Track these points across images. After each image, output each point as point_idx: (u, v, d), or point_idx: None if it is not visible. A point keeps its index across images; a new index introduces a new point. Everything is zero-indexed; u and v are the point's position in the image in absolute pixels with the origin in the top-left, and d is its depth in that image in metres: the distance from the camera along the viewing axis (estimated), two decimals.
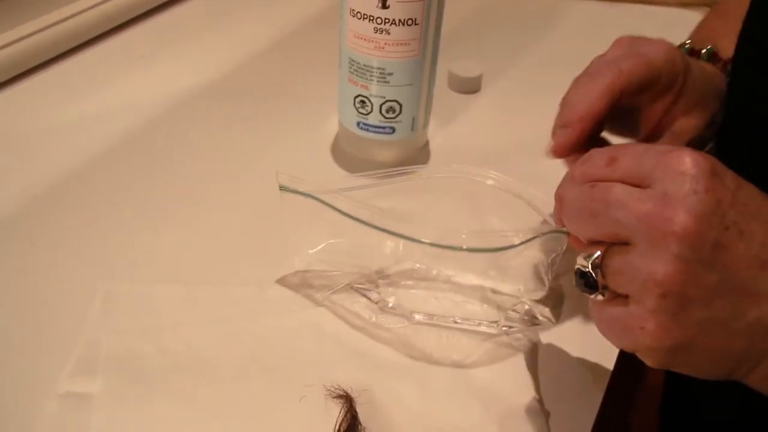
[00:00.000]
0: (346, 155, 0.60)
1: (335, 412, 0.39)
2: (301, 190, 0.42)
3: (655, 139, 0.45)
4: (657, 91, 0.43)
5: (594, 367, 0.43)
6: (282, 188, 0.43)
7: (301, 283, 0.47)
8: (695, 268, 0.29)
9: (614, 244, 0.31)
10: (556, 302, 0.46)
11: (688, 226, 0.28)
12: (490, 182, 0.46)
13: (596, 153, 0.33)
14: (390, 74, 0.52)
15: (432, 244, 0.40)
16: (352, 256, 0.47)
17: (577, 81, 0.42)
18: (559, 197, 0.35)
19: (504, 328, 0.44)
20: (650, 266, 0.29)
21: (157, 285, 0.46)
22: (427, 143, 0.61)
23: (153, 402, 0.39)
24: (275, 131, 0.63)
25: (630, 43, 0.44)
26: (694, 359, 0.31)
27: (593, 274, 0.32)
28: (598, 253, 0.32)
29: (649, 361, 0.32)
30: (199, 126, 0.63)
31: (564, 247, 0.41)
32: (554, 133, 0.42)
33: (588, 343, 0.44)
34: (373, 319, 0.45)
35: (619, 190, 0.31)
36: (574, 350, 0.44)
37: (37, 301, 0.45)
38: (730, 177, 0.30)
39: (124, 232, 0.51)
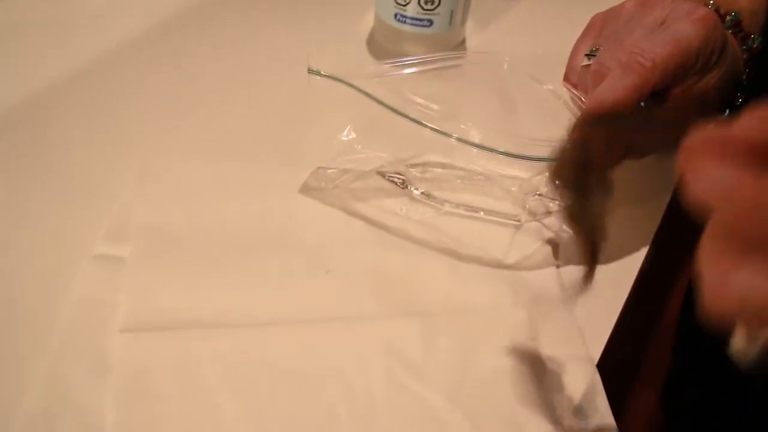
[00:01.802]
0: (382, 50, 0.58)
1: (361, 284, 0.39)
2: (328, 73, 0.42)
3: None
4: (684, 76, 0.40)
5: (621, 262, 0.43)
6: (311, 71, 0.42)
7: (329, 169, 0.47)
8: None
9: None
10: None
11: None
12: (524, 76, 0.45)
13: None
14: None
15: (460, 140, 0.39)
16: (380, 143, 0.46)
17: (612, 72, 0.39)
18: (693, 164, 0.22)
19: (531, 216, 0.44)
20: None
21: (190, 161, 0.46)
22: (463, 41, 0.60)
23: (182, 268, 0.40)
24: (309, 24, 0.62)
25: (671, 11, 0.40)
26: None
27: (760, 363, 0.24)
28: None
29: None
30: (235, 17, 0.62)
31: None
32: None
33: (616, 235, 0.44)
34: (403, 210, 0.45)
35: None
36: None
37: (74, 173, 0.46)
38: None
39: (156, 113, 0.51)
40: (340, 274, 0.40)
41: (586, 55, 0.45)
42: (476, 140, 0.40)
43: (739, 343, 0.24)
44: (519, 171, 0.44)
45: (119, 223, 0.42)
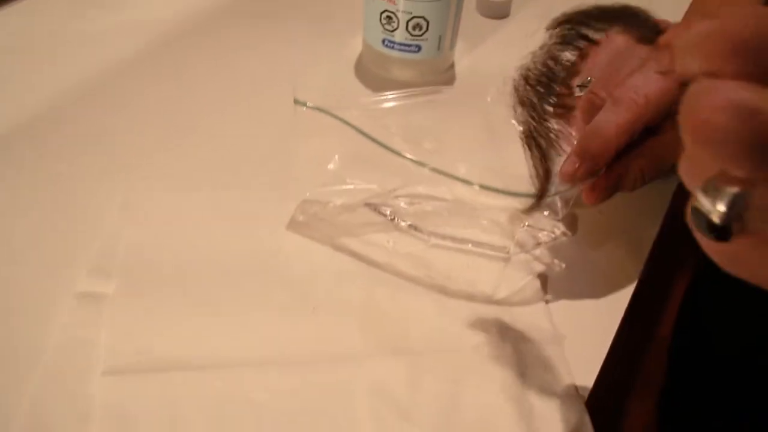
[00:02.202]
0: (370, 75, 0.58)
1: (347, 321, 0.39)
2: (314, 105, 0.42)
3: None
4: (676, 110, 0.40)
5: (610, 297, 0.43)
6: (296, 102, 0.42)
7: (316, 201, 0.46)
8: None
9: None
10: (571, 222, 0.45)
11: None
12: (508, 109, 0.45)
13: None
14: None
15: (439, 172, 0.39)
16: (367, 173, 0.46)
17: (605, 107, 0.39)
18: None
19: (519, 248, 0.43)
20: None
21: (174, 192, 0.46)
22: (452, 65, 0.60)
23: (167, 304, 0.39)
24: (297, 49, 0.61)
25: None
26: None
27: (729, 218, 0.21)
28: (737, 190, 0.20)
29: None
30: (221, 42, 0.62)
31: (578, 192, 0.41)
32: (568, 158, 0.39)
33: (607, 263, 0.44)
34: (390, 243, 0.44)
35: None
36: (591, 277, 0.44)
37: (58, 205, 0.45)
38: None
39: (142, 142, 0.51)
40: (326, 310, 0.40)
41: (578, 86, 0.45)
42: (461, 174, 0.40)
43: (703, 197, 0.21)
44: (507, 202, 0.44)
45: (103, 258, 0.41)
